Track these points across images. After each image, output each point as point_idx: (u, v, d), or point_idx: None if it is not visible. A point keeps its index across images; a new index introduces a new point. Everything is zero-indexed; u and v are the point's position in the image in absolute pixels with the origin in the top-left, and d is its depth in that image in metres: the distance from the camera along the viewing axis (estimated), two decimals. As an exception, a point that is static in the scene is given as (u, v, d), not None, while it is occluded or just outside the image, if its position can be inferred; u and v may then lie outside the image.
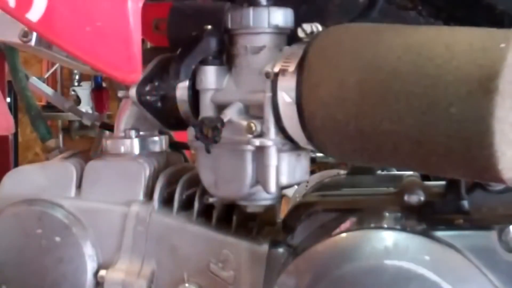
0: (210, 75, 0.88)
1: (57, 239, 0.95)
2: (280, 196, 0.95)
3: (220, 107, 0.87)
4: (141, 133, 1.01)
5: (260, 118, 0.83)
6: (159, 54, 0.97)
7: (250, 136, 0.83)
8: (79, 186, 0.99)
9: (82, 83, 4.01)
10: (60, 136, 4.03)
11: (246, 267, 0.89)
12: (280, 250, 0.89)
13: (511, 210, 0.84)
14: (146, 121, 1.00)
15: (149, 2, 0.83)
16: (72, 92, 3.92)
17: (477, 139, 0.62)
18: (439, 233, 0.82)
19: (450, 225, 0.84)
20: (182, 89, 0.91)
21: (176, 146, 1.11)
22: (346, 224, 0.87)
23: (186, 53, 0.89)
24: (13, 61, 1.26)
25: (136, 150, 0.99)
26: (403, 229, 0.83)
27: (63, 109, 1.41)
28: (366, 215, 0.88)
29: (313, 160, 1.48)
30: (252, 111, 0.86)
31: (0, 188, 1.01)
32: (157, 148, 1.03)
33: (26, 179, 1.01)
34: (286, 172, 0.85)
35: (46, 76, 3.98)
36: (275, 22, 0.86)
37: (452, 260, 0.80)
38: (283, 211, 1.05)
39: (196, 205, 0.94)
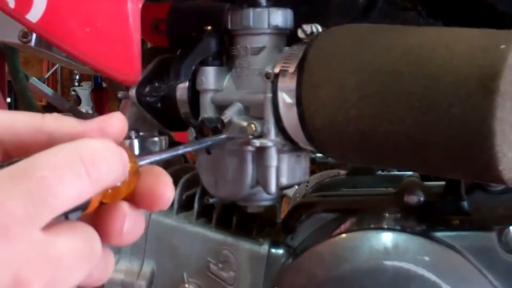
0: (210, 76, 0.88)
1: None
2: (280, 197, 0.95)
3: (220, 108, 0.87)
4: (141, 133, 1.00)
5: (260, 118, 0.83)
6: (159, 55, 0.97)
7: (250, 136, 0.83)
8: (79, 186, 0.99)
9: (82, 83, 4.02)
10: (60, 137, 4.02)
11: (246, 268, 0.89)
12: (280, 250, 0.89)
13: (511, 211, 0.84)
14: (146, 121, 1.00)
15: (149, 2, 0.83)
16: (72, 92, 3.93)
17: (477, 140, 0.62)
18: (439, 234, 0.82)
19: (450, 226, 0.84)
20: (182, 90, 0.91)
21: (176, 147, 1.11)
22: (346, 225, 0.87)
23: (186, 54, 0.89)
24: (13, 61, 1.26)
25: (136, 151, 0.99)
26: (403, 229, 0.83)
27: (63, 109, 1.40)
28: (366, 215, 0.88)
29: (313, 161, 1.49)
30: (252, 111, 0.86)
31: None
32: (157, 149, 1.02)
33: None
34: (286, 173, 0.85)
35: (46, 76, 3.99)
36: (275, 22, 0.85)
37: (452, 261, 0.80)
38: (283, 211, 1.05)
39: (196, 205, 0.94)
